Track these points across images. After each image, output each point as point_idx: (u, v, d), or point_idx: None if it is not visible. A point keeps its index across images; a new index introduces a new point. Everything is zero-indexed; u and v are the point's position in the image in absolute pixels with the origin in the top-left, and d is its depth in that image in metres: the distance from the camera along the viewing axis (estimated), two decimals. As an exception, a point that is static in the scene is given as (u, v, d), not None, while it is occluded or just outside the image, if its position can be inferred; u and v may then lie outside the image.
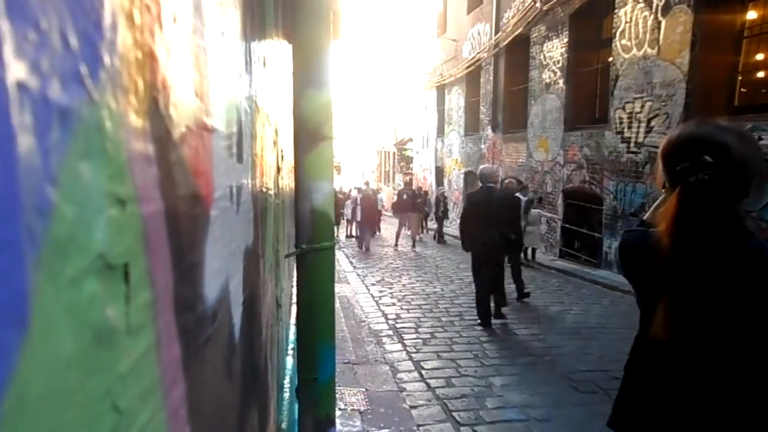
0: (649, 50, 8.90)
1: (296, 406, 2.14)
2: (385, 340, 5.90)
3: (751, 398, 1.43)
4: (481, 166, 7.96)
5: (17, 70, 0.30)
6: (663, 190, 1.55)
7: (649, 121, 8.98)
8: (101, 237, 0.40)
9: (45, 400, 0.33)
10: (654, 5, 8.70)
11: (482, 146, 16.62)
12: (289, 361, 3.54)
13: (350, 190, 20.53)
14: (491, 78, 15.68)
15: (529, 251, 11.59)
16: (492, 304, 6.63)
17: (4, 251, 0.29)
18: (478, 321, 6.53)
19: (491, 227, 6.30)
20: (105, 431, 0.41)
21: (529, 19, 12.98)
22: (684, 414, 1.52)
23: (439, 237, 15.85)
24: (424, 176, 22.67)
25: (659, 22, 8.62)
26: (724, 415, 1.46)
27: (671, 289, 1.46)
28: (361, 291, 8.54)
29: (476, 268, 6.58)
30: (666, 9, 8.45)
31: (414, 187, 17.91)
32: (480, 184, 6.73)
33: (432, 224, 16.88)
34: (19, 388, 0.30)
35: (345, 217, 17.03)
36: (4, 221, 0.29)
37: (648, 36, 8.90)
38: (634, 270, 1.62)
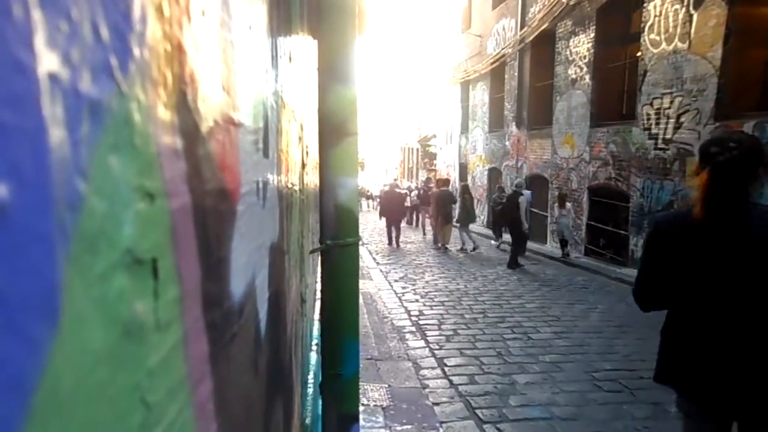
0: (679, 44, 8.71)
1: (320, 401, 2.14)
2: (408, 336, 5.89)
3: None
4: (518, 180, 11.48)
5: (49, 62, 0.29)
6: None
7: (678, 117, 8.80)
8: (130, 231, 0.40)
9: (75, 394, 0.32)
10: (685, -2, 8.53)
11: (507, 143, 16.48)
12: (313, 357, 3.56)
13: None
14: (516, 74, 15.53)
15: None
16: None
17: (36, 245, 0.29)
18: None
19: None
20: (134, 426, 0.41)
21: (555, 14, 12.81)
22: (715, 361, 1.89)
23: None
24: (447, 172, 22.58)
25: (691, 16, 8.43)
26: (750, 358, 1.84)
27: (704, 248, 1.91)
28: (384, 287, 8.54)
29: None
30: (698, 2, 8.26)
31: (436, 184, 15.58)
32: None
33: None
34: (51, 382, 0.30)
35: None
36: (36, 214, 0.29)
37: (679, 30, 8.71)
38: (666, 240, 2.01)
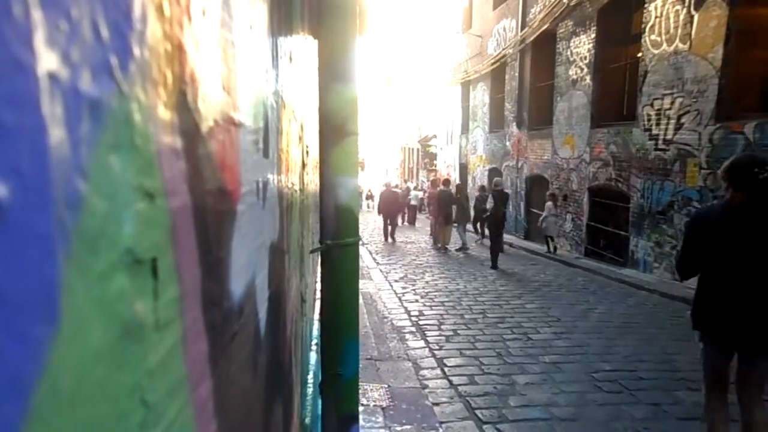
0: (680, 45, 8.71)
1: (319, 401, 2.14)
2: (407, 336, 5.89)
3: None
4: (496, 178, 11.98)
5: (48, 61, 0.29)
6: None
7: (679, 117, 8.80)
8: (130, 231, 0.40)
9: (75, 393, 0.32)
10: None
11: (507, 143, 16.49)
12: (313, 357, 3.56)
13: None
14: (517, 74, 15.53)
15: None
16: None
17: (36, 244, 0.29)
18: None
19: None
20: (134, 425, 0.41)
21: (556, 15, 12.81)
22: (730, 311, 2.79)
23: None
24: (448, 173, 22.58)
25: (692, 17, 8.43)
26: (754, 310, 2.72)
27: (743, 240, 2.75)
28: (384, 287, 8.54)
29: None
30: (699, 3, 8.25)
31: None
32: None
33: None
34: (50, 382, 0.30)
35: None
36: (36, 214, 0.29)
37: (679, 31, 8.71)
38: (713, 232, 2.84)
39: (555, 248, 12.40)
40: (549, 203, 12.20)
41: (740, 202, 2.75)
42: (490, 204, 11.52)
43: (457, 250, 12.88)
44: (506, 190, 12.76)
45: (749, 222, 2.73)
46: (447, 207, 12.90)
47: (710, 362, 2.97)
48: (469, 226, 14.70)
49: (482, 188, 14.55)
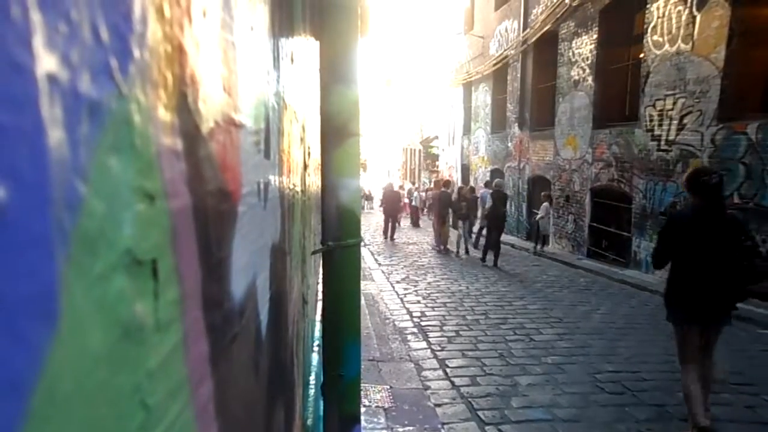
0: (682, 46, 8.70)
1: (321, 402, 2.14)
2: (409, 337, 5.89)
3: (730, 278, 3.44)
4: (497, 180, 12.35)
5: (47, 63, 0.29)
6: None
7: (681, 118, 8.78)
8: (130, 232, 0.40)
9: (74, 395, 0.32)
10: (688, 0, 8.51)
11: (509, 144, 16.48)
12: (315, 358, 3.55)
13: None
14: (518, 75, 15.53)
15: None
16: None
17: (34, 246, 0.29)
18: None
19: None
20: (134, 428, 0.41)
21: (558, 15, 12.80)
22: (697, 293, 3.47)
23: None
24: (450, 174, 22.58)
25: (694, 17, 8.42)
26: (720, 290, 3.45)
27: (702, 236, 3.45)
28: (386, 288, 8.54)
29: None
30: (702, 3, 8.24)
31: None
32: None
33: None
34: (49, 384, 0.30)
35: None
36: (35, 215, 0.29)
37: (682, 31, 8.69)
38: (681, 230, 3.52)
39: (542, 246, 12.84)
40: (545, 204, 12.41)
41: (699, 205, 3.51)
42: (489, 204, 11.65)
43: (459, 253, 12.79)
44: (506, 191, 13.12)
45: (707, 220, 3.46)
46: (444, 209, 12.94)
47: (686, 339, 3.60)
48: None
49: (471, 189, 14.65)
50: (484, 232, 12.17)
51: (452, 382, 4.63)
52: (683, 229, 3.51)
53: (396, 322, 6.47)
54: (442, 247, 13.20)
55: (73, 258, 0.32)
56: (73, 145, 0.32)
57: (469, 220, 13.17)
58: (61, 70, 0.30)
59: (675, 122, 8.93)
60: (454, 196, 13.50)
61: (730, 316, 3.56)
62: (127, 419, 0.40)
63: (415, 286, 8.86)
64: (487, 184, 13.59)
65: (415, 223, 20.38)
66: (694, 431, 3.49)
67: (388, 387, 4.39)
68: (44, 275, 0.30)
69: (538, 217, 12.52)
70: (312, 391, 2.93)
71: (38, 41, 0.28)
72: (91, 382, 0.34)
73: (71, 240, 0.32)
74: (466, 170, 20.97)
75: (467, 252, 12.73)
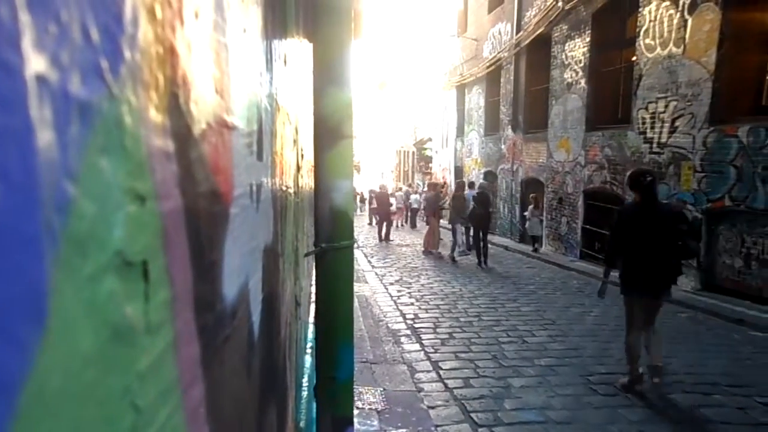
0: (674, 49, 8.75)
1: (314, 404, 2.14)
2: (403, 339, 5.88)
3: (666, 258, 4.31)
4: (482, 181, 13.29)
5: (37, 64, 0.29)
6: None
7: (673, 121, 8.84)
8: (120, 234, 0.40)
9: (63, 396, 0.32)
10: (680, 3, 8.55)
11: (502, 146, 16.51)
12: (308, 360, 3.55)
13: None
14: (512, 78, 15.57)
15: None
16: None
17: (23, 247, 0.29)
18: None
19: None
20: (124, 429, 0.41)
21: (551, 18, 12.85)
22: (641, 274, 4.32)
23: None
24: (443, 176, 22.60)
25: (685, 21, 8.47)
26: (657, 268, 4.30)
27: (641, 225, 4.31)
28: (379, 290, 8.53)
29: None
30: (693, 7, 8.30)
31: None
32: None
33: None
34: (38, 384, 0.29)
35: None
36: (23, 216, 0.29)
37: (673, 35, 8.75)
38: (626, 220, 4.38)
39: (537, 249, 13.15)
40: (531, 206, 12.87)
41: (639, 201, 4.36)
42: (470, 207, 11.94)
43: (454, 255, 12.69)
44: (490, 193, 13.36)
45: (644, 214, 4.31)
46: (433, 210, 13.14)
47: (631, 307, 4.52)
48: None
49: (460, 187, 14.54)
50: (472, 232, 12.27)
51: (445, 384, 4.63)
52: (627, 220, 4.38)
53: (389, 324, 6.47)
54: (432, 251, 13.04)
55: (62, 259, 0.32)
56: (63, 146, 0.32)
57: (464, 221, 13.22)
58: (51, 71, 0.30)
59: (667, 125, 8.99)
60: (448, 200, 13.69)
61: (669, 289, 4.42)
62: (117, 421, 0.40)
63: (408, 287, 8.86)
64: (471, 186, 13.90)
65: (413, 225, 20.39)
66: (631, 378, 4.47)
67: (382, 389, 4.39)
68: (33, 276, 0.29)
69: (527, 218, 12.89)
70: (305, 394, 2.92)
71: (27, 42, 0.28)
72: (80, 384, 0.34)
73: (61, 241, 0.32)
74: (459, 172, 21.00)
75: (463, 253, 12.69)
